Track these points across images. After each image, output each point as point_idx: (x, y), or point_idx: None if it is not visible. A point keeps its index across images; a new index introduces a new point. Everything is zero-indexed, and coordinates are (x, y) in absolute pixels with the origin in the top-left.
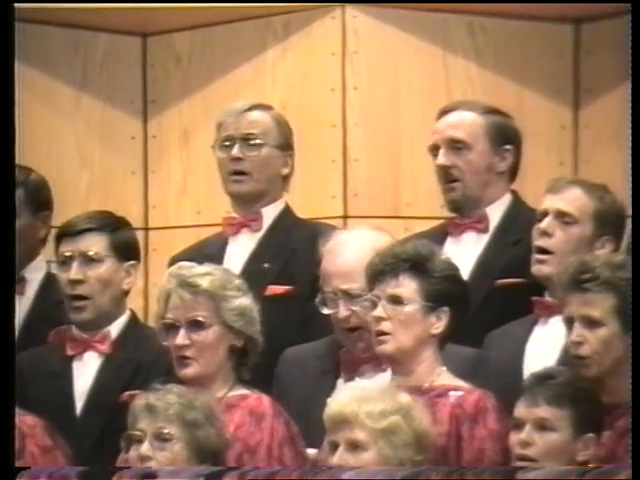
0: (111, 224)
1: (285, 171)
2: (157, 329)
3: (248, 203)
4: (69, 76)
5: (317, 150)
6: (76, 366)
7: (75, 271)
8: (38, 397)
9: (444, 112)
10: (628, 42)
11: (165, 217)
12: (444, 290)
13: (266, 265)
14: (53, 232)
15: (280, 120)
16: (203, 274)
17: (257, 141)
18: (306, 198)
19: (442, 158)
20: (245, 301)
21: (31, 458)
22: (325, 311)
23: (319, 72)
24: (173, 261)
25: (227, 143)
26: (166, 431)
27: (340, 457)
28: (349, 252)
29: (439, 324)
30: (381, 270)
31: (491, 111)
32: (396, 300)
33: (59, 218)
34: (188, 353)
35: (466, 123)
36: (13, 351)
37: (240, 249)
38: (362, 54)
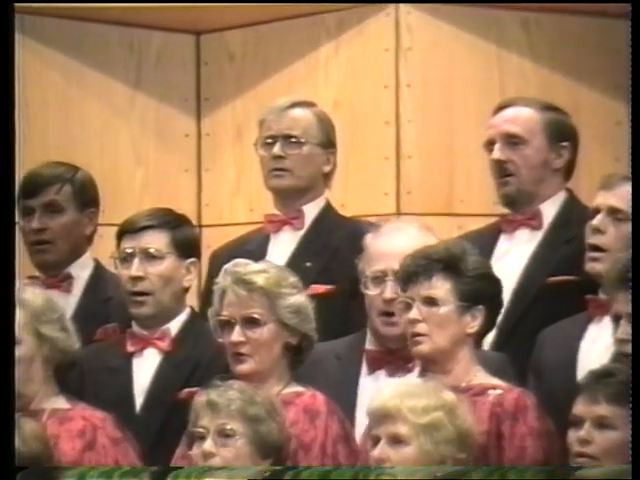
0: (172, 221)
1: (327, 169)
2: (213, 326)
3: (289, 199)
4: (124, 74)
5: (370, 147)
6: (136, 363)
7: (136, 268)
8: (98, 393)
9: (501, 107)
10: (628, 42)
11: (218, 215)
12: (478, 289)
13: (308, 264)
14: (100, 230)
15: (322, 117)
16: (258, 271)
17: (298, 139)
18: (359, 195)
19: (497, 152)
20: (300, 298)
21: (102, 449)
22: (368, 292)
23: (372, 69)
24: (214, 256)
25: (269, 141)
26: (229, 427)
27: (381, 451)
28: (405, 236)
29: (474, 323)
30: (414, 272)
31: (549, 108)
32: (431, 302)
33: (113, 216)
34: (243, 350)
35: (523, 118)
36: (13, 351)
37: (282, 247)
38: (416, 51)
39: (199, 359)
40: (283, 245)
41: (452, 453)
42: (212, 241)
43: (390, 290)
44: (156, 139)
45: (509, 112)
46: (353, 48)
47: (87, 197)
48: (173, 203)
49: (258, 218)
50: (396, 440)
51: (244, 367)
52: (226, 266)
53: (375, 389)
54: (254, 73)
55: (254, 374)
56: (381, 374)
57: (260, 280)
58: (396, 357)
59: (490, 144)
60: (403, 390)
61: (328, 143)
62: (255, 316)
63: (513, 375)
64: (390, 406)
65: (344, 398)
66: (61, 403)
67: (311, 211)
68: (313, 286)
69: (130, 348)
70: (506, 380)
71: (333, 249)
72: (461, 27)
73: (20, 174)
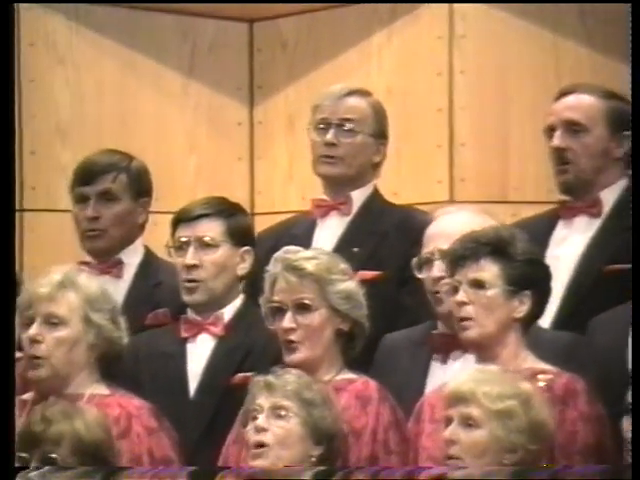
0: (226, 210)
1: (377, 159)
2: (264, 313)
3: (338, 186)
4: (177, 63)
5: (423, 135)
6: (190, 348)
7: (191, 256)
8: (152, 379)
9: (562, 94)
10: (628, 42)
11: (271, 202)
12: (526, 274)
13: (355, 250)
14: (153, 217)
15: (377, 108)
16: (309, 258)
17: (352, 127)
18: (412, 183)
19: (557, 140)
20: (350, 285)
21: (136, 438)
22: (419, 275)
23: (425, 56)
24: (259, 239)
25: (322, 126)
26: (283, 405)
27: (452, 432)
28: (455, 218)
29: (522, 308)
30: (462, 255)
31: (611, 96)
32: (478, 284)
33: (166, 204)
34: (294, 337)
35: (584, 106)
36: (13, 351)
37: (329, 232)
38: (469, 38)
39: (252, 345)
40: (330, 230)
41: (523, 443)
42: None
43: (437, 269)
44: (209, 127)
45: (571, 99)
46: (406, 36)
47: (141, 186)
48: (226, 191)
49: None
50: (468, 421)
51: (296, 356)
52: (276, 254)
53: (445, 374)
54: (307, 61)
55: (306, 360)
56: (450, 358)
57: (310, 266)
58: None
59: (550, 131)
60: (480, 376)
61: (380, 134)
62: (306, 302)
63: (582, 356)
64: (465, 390)
65: (414, 385)
66: (101, 389)
67: (359, 197)
68: (361, 272)
69: (184, 333)
70: (573, 360)
71: (381, 235)
72: (515, 13)
73: (75, 161)
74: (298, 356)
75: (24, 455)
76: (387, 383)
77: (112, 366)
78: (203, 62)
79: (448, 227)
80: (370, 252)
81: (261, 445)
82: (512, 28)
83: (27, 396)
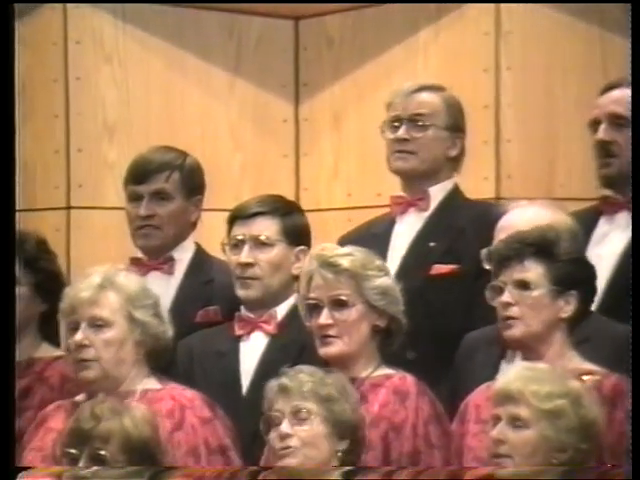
0: (282, 208)
1: (453, 153)
2: (302, 311)
3: (415, 181)
4: (223, 60)
5: (469, 131)
6: (243, 346)
7: (246, 254)
8: (206, 377)
9: (608, 88)
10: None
11: (316, 200)
12: (571, 274)
13: (432, 244)
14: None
15: (451, 102)
16: (344, 254)
17: (424, 122)
18: (459, 180)
19: (602, 133)
20: (387, 281)
21: (191, 429)
22: (488, 266)
23: (472, 53)
24: (342, 241)
25: (395, 124)
26: (303, 408)
27: (500, 431)
28: (524, 212)
29: (567, 308)
30: (507, 255)
31: None
32: (523, 285)
33: (212, 202)
34: (331, 332)
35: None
36: (13, 351)
37: (407, 228)
38: (516, 34)
39: (305, 342)
40: (409, 226)
41: (574, 442)
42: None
43: None
44: (254, 124)
45: (616, 93)
46: (453, 32)
47: (194, 184)
48: (272, 188)
49: (356, 203)
50: (516, 421)
51: (332, 349)
52: (312, 251)
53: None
54: (352, 58)
55: (342, 356)
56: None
57: (345, 262)
58: None
59: (595, 124)
60: (529, 374)
61: (456, 127)
62: (342, 298)
63: None
64: (512, 389)
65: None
66: (152, 384)
67: (437, 193)
68: (437, 266)
69: (238, 331)
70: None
71: (458, 230)
72: (562, 10)
73: (122, 159)
74: (333, 349)
75: (73, 452)
76: (464, 383)
77: (160, 360)
78: (249, 60)
79: (517, 220)
80: (447, 247)
81: (291, 453)
82: (558, 24)
83: (80, 397)
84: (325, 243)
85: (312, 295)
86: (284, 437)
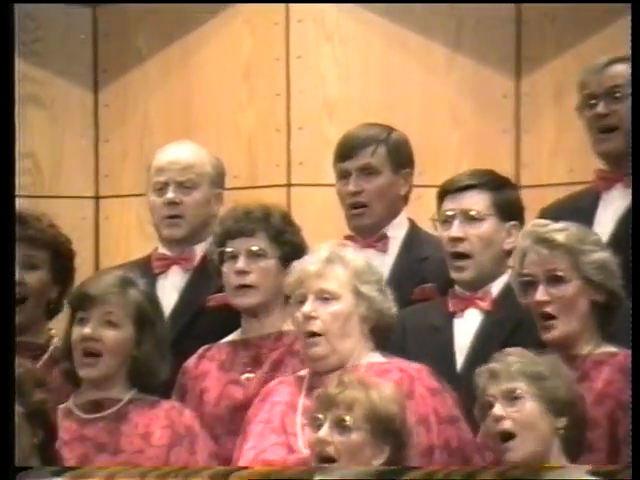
0: (493, 182)
1: None
2: (516, 289)
3: (619, 159)
4: (443, 37)
5: None
6: (457, 322)
7: (456, 229)
8: (419, 351)
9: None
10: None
11: (537, 175)
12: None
13: None
14: (418, 191)
15: None
16: (559, 230)
17: (623, 93)
18: None
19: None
20: (604, 255)
21: (421, 399)
22: None
23: None
24: (543, 214)
25: (592, 102)
26: (512, 387)
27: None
28: None
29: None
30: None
31: None
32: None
33: (430, 177)
34: (549, 309)
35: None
36: (13, 351)
37: (613, 205)
38: None
39: (522, 319)
40: (615, 203)
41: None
42: (530, 202)
43: None
44: (474, 100)
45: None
46: None
47: (401, 157)
48: (491, 164)
49: (579, 178)
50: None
51: (554, 333)
52: (524, 228)
53: None
54: (574, 32)
55: (565, 337)
56: None
57: (561, 237)
58: None
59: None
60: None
61: None
62: (559, 273)
63: None
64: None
65: None
66: (377, 357)
67: None
68: None
69: (452, 308)
70: None
71: None
72: None
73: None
74: (556, 333)
75: (319, 415)
76: None
77: (384, 337)
78: (470, 36)
79: None
80: None
81: (508, 435)
82: None
83: (303, 372)
84: (536, 220)
85: (526, 271)
86: (498, 420)
